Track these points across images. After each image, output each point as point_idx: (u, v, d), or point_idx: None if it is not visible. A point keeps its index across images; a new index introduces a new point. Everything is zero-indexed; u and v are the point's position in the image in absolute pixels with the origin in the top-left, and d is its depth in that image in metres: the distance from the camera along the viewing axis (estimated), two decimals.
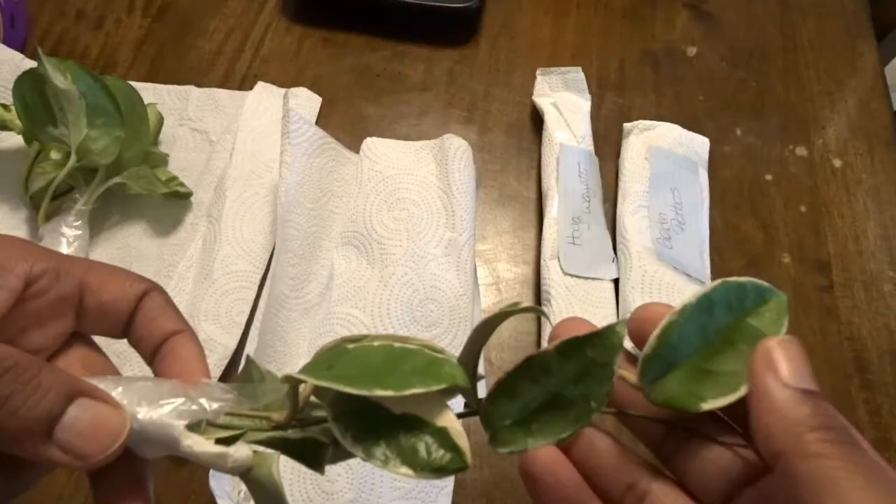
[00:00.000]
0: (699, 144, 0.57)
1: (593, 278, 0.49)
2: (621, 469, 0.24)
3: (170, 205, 0.52)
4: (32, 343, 0.24)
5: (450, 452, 0.20)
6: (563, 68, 0.58)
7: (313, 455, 0.23)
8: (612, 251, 0.51)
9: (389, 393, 0.20)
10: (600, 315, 0.48)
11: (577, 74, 0.58)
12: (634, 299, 0.47)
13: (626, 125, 0.56)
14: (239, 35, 0.63)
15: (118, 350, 0.42)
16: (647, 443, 0.26)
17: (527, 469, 0.25)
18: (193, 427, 0.22)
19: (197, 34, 0.63)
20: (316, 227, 0.50)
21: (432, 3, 0.61)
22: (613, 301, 0.49)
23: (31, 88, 0.47)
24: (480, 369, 0.23)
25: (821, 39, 0.65)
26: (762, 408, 0.20)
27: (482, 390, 0.22)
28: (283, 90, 0.57)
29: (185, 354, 0.25)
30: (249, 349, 0.44)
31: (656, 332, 0.23)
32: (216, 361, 0.45)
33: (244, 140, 0.54)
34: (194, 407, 0.22)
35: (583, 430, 0.24)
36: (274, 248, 0.48)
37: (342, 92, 0.60)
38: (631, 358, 0.24)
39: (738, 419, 0.24)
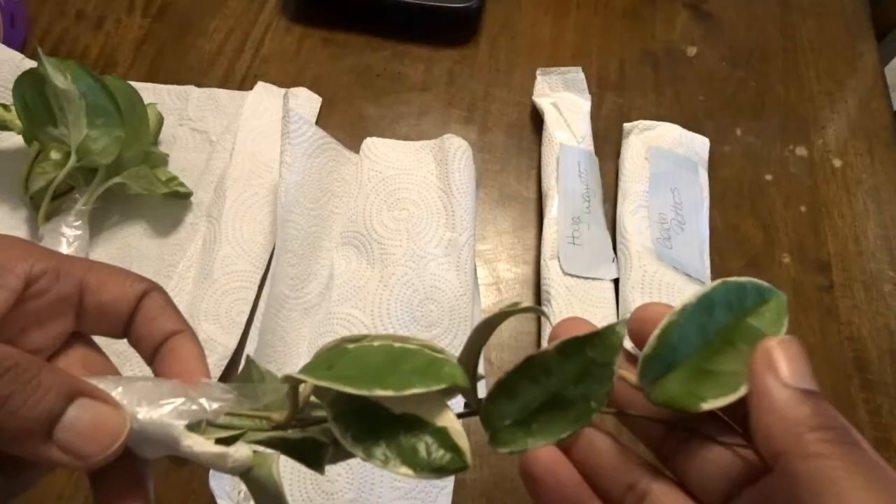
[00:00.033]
0: (699, 144, 0.57)
1: (593, 278, 0.49)
2: (621, 469, 0.24)
3: (170, 205, 0.52)
4: (32, 343, 0.24)
5: (450, 452, 0.20)
6: (563, 68, 0.58)
7: (313, 455, 0.23)
8: (612, 251, 0.51)
9: (389, 393, 0.20)
10: (600, 315, 0.48)
11: (577, 74, 0.58)
12: (634, 299, 0.47)
13: (626, 125, 0.56)
14: (239, 35, 0.63)
15: (118, 350, 0.42)
16: (647, 443, 0.26)
17: (527, 469, 0.25)
18: (193, 427, 0.22)
19: (197, 34, 0.63)
20: (316, 227, 0.50)
21: (432, 3, 0.61)
22: (613, 301, 0.49)
23: (31, 88, 0.47)
24: (480, 369, 0.23)
25: (821, 39, 0.65)
26: (762, 408, 0.20)
27: (482, 390, 0.22)
28: (283, 90, 0.57)
29: (185, 354, 0.25)
30: (249, 349, 0.44)
31: (656, 332, 0.23)
32: (216, 361, 0.45)
33: (244, 140, 0.54)
34: (194, 407, 0.22)
35: (583, 430, 0.24)
36: (274, 248, 0.48)
37: (342, 92, 0.60)
38: (631, 358, 0.24)
39: (738, 419, 0.24)
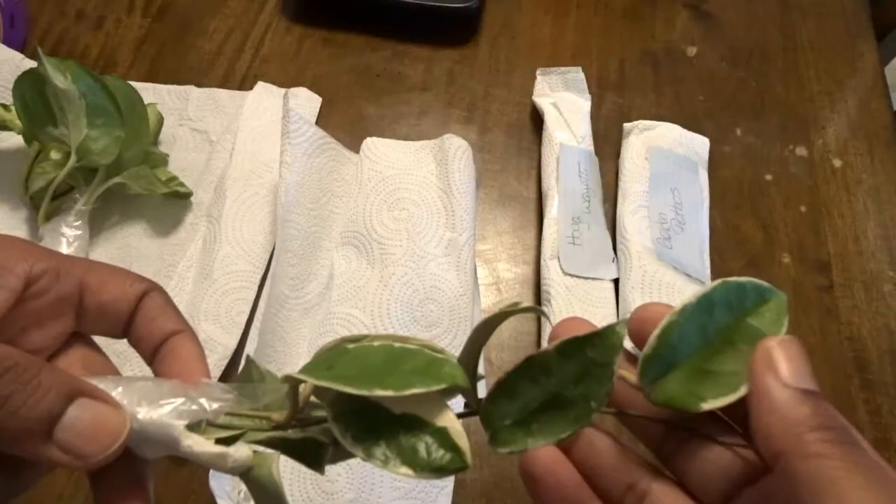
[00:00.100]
0: (699, 144, 0.57)
1: (593, 278, 0.49)
2: (621, 469, 0.24)
3: (170, 205, 0.52)
4: (32, 343, 0.24)
5: (450, 452, 0.20)
6: (563, 68, 0.58)
7: (313, 455, 0.23)
8: (612, 251, 0.51)
9: (389, 393, 0.20)
10: (600, 315, 0.48)
11: (577, 74, 0.58)
12: (634, 299, 0.47)
13: (626, 125, 0.56)
14: (239, 35, 0.63)
15: (118, 350, 0.42)
16: (647, 443, 0.26)
17: (527, 469, 0.25)
18: (193, 427, 0.22)
19: (197, 34, 0.63)
20: (316, 227, 0.50)
21: (432, 3, 0.61)
22: (613, 301, 0.49)
23: (31, 88, 0.47)
24: (480, 369, 0.23)
25: (821, 39, 0.65)
26: (762, 408, 0.20)
27: (482, 390, 0.22)
28: (283, 90, 0.57)
29: (185, 354, 0.25)
30: (249, 349, 0.44)
31: (656, 332, 0.23)
32: (216, 361, 0.45)
33: (244, 140, 0.54)
34: (194, 407, 0.22)
35: (583, 430, 0.24)
36: (274, 248, 0.48)
37: (342, 92, 0.60)
38: (631, 358, 0.24)
39: (738, 419, 0.24)
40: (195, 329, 0.31)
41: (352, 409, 0.21)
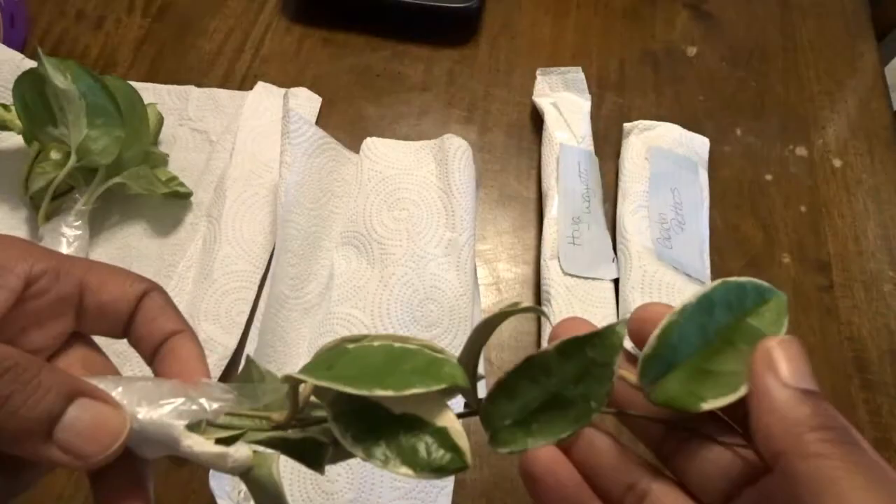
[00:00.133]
0: (699, 144, 0.57)
1: (593, 278, 0.49)
2: (621, 469, 0.24)
3: (170, 205, 0.52)
4: (32, 343, 0.24)
5: (450, 452, 0.20)
6: (563, 68, 0.58)
7: (313, 455, 0.23)
8: (612, 251, 0.51)
9: (389, 393, 0.20)
10: (600, 315, 0.48)
11: (577, 74, 0.58)
12: (634, 299, 0.47)
13: (626, 125, 0.56)
14: (239, 35, 0.63)
15: (118, 350, 0.42)
16: (647, 443, 0.26)
17: (527, 469, 0.25)
18: (193, 427, 0.22)
19: (197, 34, 0.63)
20: (316, 227, 0.50)
21: (432, 3, 0.61)
22: (613, 301, 0.49)
23: (31, 88, 0.47)
24: (480, 369, 0.23)
25: (821, 39, 0.65)
26: (762, 408, 0.20)
27: (482, 390, 0.22)
28: (283, 90, 0.57)
29: (185, 354, 0.25)
30: (249, 349, 0.44)
31: (656, 332, 0.23)
32: (216, 361, 0.45)
33: (244, 140, 0.54)
34: (194, 407, 0.22)
35: (583, 430, 0.24)
36: (274, 248, 0.48)
37: (342, 92, 0.60)
38: (631, 358, 0.24)
39: (738, 419, 0.24)
40: (195, 329, 0.31)
41: (352, 409, 0.21)
